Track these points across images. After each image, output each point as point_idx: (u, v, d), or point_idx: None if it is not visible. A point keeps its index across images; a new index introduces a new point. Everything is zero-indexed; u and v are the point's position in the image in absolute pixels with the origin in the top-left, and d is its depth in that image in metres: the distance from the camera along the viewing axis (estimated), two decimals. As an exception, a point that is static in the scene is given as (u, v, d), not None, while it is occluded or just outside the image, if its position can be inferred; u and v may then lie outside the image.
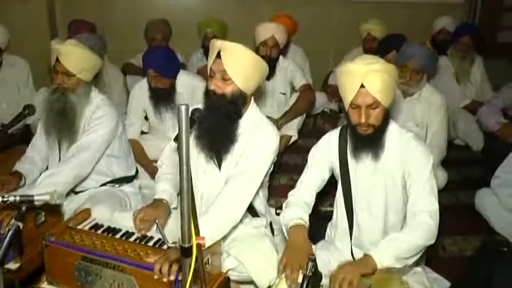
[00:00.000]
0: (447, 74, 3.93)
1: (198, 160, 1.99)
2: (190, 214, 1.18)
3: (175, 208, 2.07)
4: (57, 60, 2.20)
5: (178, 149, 1.14)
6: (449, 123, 3.36)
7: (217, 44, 1.85)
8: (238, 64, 1.85)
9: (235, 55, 1.84)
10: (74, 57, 2.21)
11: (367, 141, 1.83)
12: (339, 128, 1.99)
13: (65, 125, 2.29)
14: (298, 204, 1.94)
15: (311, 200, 1.98)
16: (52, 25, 4.64)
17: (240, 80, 1.87)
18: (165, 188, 2.07)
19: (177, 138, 1.14)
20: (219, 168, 2.00)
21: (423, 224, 1.75)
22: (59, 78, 2.24)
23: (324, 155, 1.99)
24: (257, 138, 1.94)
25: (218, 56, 1.85)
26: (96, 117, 2.32)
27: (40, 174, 2.30)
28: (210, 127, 1.91)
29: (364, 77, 1.70)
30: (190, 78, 3.02)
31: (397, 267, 1.70)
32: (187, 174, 1.15)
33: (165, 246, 1.78)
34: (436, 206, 1.79)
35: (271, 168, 2.07)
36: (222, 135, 1.94)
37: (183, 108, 1.12)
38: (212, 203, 1.87)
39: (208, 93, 1.92)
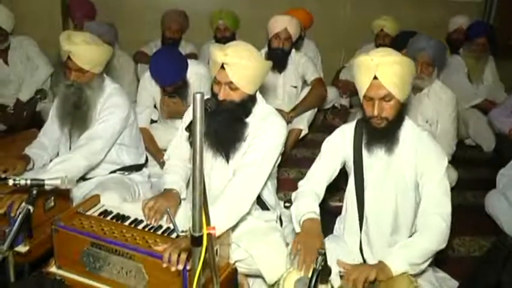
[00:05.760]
0: (460, 73, 3.89)
1: (206, 156, 1.98)
2: (202, 203, 1.17)
3: (184, 199, 2.07)
4: (69, 57, 2.19)
5: (192, 137, 1.13)
6: (459, 121, 3.31)
7: (220, 58, 1.81)
8: (244, 74, 1.84)
9: (240, 67, 1.82)
10: (86, 55, 2.19)
11: (381, 134, 1.81)
12: (354, 121, 1.97)
13: (78, 116, 2.30)
14: (310, 195, 1.91)
15: (321, 191, 1.96)
16: (64, 12, 4.63)
17: (247, 87, 1.88)
18: (173, 179, 2.07)
19: (189, 127, 1.13)
20: (227, 162, 1.99)
21: (436, 227, 1.72)
22: (72, 75, 2.24)
23: (337, 147, 1.97)
24: (264, 130, 1.94)
25: (222, 67, 1.83)
26: (108, 106, 2.31)
27: (50, 160, 2.31)
28: (220, 128, 1.90)
29: (377, 69, 1.68)
30: (199, 68, 3.00)
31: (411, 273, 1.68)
32: (200, 162, 1.14)
33: (173, 235, 1.78)
34: (449, 208, 1.76)
35: (279, 160, 2.05)
36: (231, 136, 1.94)
37: (198, 96, 1.11)
38: (220, 194, 1.85)
39: (216, 98, 1.89)
